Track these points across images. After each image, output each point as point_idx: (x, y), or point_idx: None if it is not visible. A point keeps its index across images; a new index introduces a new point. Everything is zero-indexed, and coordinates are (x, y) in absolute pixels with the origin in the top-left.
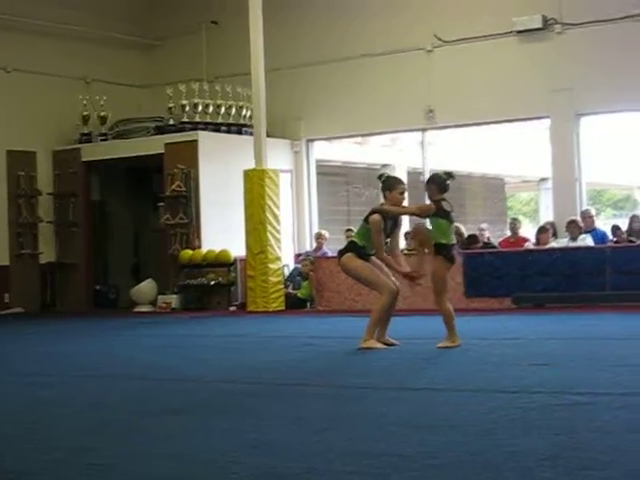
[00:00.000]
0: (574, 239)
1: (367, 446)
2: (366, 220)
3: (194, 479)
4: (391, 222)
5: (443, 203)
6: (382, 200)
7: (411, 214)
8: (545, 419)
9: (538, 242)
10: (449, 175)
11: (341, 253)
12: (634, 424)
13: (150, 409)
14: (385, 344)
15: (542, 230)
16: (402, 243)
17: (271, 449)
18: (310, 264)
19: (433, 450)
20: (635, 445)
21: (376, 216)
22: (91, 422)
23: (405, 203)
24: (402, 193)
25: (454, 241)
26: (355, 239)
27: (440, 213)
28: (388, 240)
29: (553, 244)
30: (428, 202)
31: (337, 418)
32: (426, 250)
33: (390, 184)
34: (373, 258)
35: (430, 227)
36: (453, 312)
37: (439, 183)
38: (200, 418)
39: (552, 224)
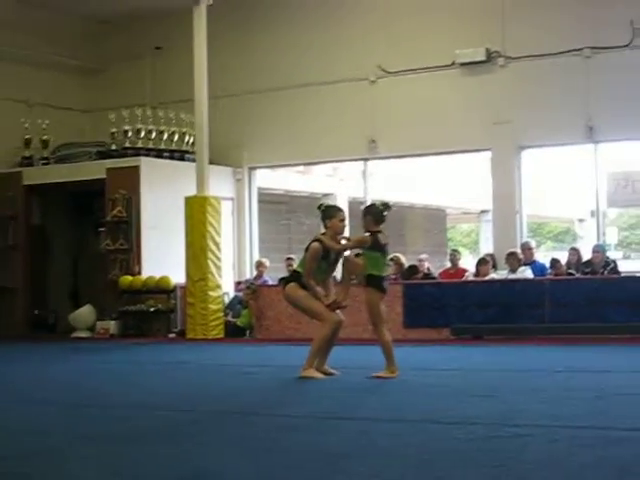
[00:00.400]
0: (514, 271)
1: (305, 475)
2: (308, 250)
3: None
4: (334, 253)
5: (379, 235)
6: (322, 230)
7: (350, 248)
8: (483, 451)
9: (478, 273)
10: (386, 206)
11: (284, 282)
12: (571, 456)
13: (86, 436)
14: (324, 373)
15: (482, 262)
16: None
17: (210, 477)
18: (252, 293)
19: None
20: (572, 477)
21: (316, 244)
22: (23, 448)
23: (346, 232)
24: (342, 220)
25: (386, 273)
26: (298, 269)
27: (375, 246)
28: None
29: (493, 276)
30: (366, 233)
31: (275, 447)
32: (354, 280)
33: (330, 213)
34: (318, 288)
35: (363, 258)
36: (391, 342)
37: (375, 214)
38: (138, 446)
39: (492, 256)
